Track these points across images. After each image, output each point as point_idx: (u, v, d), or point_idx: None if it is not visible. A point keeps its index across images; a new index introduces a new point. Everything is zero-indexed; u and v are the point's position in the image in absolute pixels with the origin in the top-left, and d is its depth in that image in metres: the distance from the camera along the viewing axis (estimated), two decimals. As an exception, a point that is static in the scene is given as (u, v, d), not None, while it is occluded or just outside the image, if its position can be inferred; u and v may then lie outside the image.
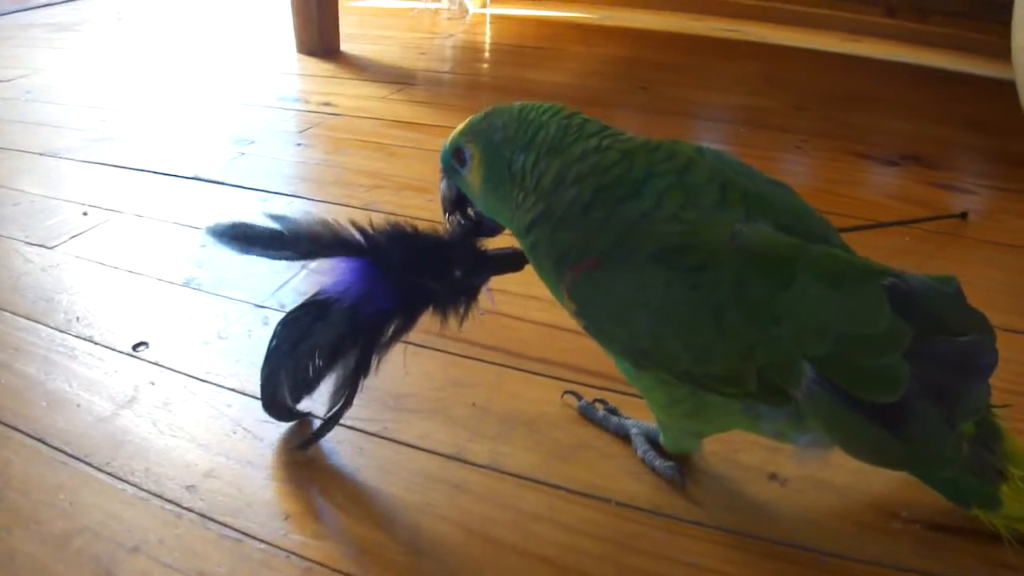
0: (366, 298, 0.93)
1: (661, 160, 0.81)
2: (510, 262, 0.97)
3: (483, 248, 0.97)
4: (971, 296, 0.76)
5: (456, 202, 0.96)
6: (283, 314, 0.99)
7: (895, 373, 0.71)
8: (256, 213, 0.99)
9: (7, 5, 3.93)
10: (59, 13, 3.98)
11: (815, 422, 0.76)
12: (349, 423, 1.02)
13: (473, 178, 0.90)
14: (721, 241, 0.74)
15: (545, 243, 0.84)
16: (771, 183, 0.83)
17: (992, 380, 0.75)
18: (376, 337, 0.95)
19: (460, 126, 0.92)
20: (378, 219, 0.95)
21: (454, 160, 0.92)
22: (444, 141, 0.93)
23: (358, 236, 0.93)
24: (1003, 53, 1.65)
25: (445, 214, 0.98)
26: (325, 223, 0.93)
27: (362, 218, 0.95)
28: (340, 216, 0.95)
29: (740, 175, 0.81)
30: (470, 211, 0.96)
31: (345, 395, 0.96)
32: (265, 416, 1.02)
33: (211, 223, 0.92)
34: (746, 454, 0.99)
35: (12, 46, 3.23)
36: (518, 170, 0.85)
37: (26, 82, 2.67)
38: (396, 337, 0.96)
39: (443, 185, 0.96)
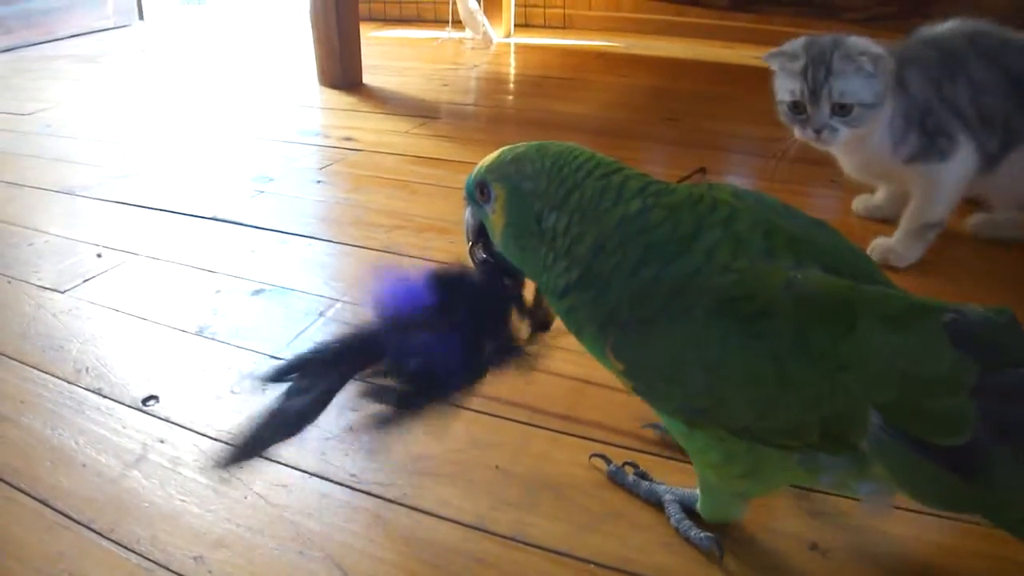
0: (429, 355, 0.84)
1: (706, 212, 0.77)
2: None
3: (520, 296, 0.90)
4: None
5: (479, 232, 0.90)
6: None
7: (962, 413, 0.68)
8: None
9: (34, 36, 3.95)
10: (84, 44, 4.00)
11: (881, 471, 0.72)
12: (366, 488, 0.97)
13: (496, 219, 0.85)
14: (777, 289, 0.71)
15: (587, 307, 0.80)
16: (813, 223, 0.81)
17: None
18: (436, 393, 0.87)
19: (489, 159, 0.86)
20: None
21: (478, 193, 0.86)
22: (472, 171, 0.88)
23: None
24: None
25: (468, 243, 0.92)
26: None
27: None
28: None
29: (782, 217, 0.79)
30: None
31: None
32: (278, 480, 0.98)
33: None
34: (785, 522, 0.94)
35: (35, 78, 3.24)
36: (548, 228, 0.81)
37: (47, 115, 2.66)
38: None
39: (467, 213, 0.91)
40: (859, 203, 1.81)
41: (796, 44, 1.47)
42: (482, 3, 3.89)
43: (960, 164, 1.50)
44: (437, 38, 3.98)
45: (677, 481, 0.96)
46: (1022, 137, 1.49)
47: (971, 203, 1.74)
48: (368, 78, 3.09)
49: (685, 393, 0.76)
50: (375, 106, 2.80)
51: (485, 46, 3.83)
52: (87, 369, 1.23)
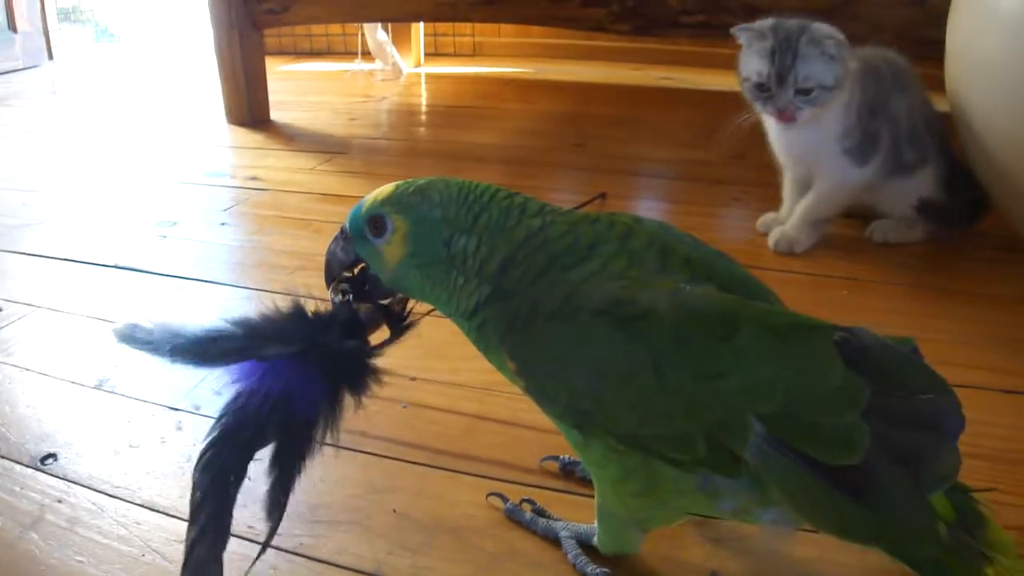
0: (289, 398, 0.82)
1: (604, 229, 0.81)
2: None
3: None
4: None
5: (350, 268, 0.89)
6: (197, 416, 0.91)
7: (855, 432, 0.68)
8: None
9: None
10: (-5, 86, 3.94)
11: (773, 490, 0.72)
12: (263, 540, 0.97)
13: (392, 251, 0.85)
14: (662, 296, 0.73)
15: (494, 320, 0.81)
16: (715, 253, 0.83)
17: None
18: (303, 441, 0.84)
19: (382, 193, 0.86)
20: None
21: (368, 228, 0.85)
22: (357, 205, 0.86)
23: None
24: (937, 86, 1.70)
25: (331, 280, 0.90)
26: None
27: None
28: (261, 302, 0.87)
29: (681, 242, 0.82)
30: (355, 273, 0.89)
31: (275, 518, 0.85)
32: (176, 536, 0.97)
33: (120, 327, 0.83)
34: (685, 551, 0.95)
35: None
36: (458, 252, 0.82)
37: (-46, 164, 2.61)
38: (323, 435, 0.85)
39: (338, 248, 0.89)
40: (763, 222, 1.85)
41: (764, 24, 1.60)
42: (391, 33, 3.89)
43: (864, 174, 1.67)
44: (346, 71, 3.97)
45: (576, 516, 0.97)
46: (931, 154, 1.68)
47: (863, 217, 1.80)
48: (276, 114, 3.09)
49: (570, 394, 0.78)
50: (282, 143, 2.79)
51: (395, 77, 3.84)
52: (-15, 430, 1.21)
